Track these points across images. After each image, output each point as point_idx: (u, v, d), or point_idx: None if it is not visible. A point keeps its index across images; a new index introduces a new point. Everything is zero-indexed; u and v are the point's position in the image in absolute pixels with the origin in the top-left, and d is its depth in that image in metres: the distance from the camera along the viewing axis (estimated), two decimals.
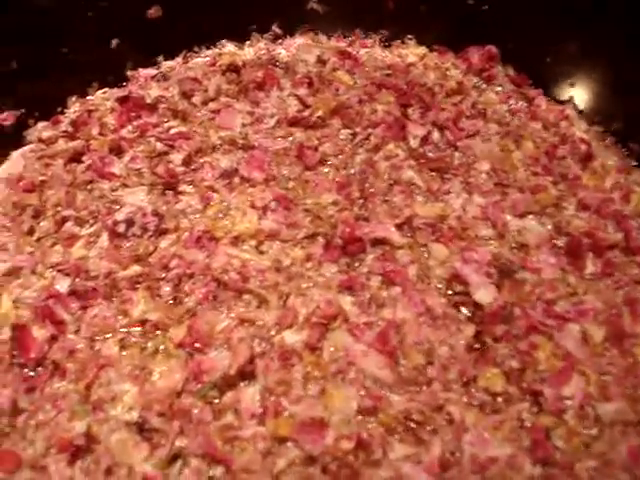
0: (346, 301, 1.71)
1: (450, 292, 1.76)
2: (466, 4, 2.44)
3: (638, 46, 2.15)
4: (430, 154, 2.11)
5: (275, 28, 2.55)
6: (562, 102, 2.37)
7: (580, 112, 2.35)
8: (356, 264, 1.81)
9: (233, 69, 2.33)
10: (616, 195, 2.04)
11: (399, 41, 2.57)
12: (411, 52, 2.52)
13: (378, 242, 1.84)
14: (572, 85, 2.38)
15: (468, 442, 1.49)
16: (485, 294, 1.70)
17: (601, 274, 1.84)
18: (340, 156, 2.08)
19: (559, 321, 1.70)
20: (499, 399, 1.57)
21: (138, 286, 1.74)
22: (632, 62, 2.18)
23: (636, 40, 2.14)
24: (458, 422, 1.51)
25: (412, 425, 1.51)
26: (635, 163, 2.18)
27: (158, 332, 1.65)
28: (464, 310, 1.72)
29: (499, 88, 2.41)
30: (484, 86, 2.42)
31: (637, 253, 1.89)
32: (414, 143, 2.11)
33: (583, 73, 2.37)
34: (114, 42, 2.33)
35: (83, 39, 2.25)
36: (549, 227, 1.93)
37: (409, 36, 2.57)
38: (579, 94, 2.37)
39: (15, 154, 2.11)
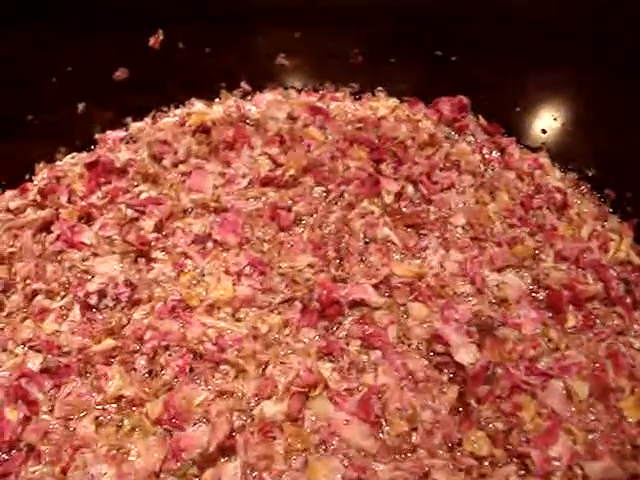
0: (326, 368, 1.69)
1: (431, 353, 1.74)
2: (435, 55, 2.47)
3: (607, 92, 2.18)
4: (405, 210, 2.12)
5: (244, 84, 2.58)
6: (535, 150, 2.40)
7: (554, 159, 2.37)
8: (334, 328, 1.80)
9: (203, 129, 2.33)
10: (594, 244, 2.05)
11: (369, 93, 2.61)
12: (382, 104, 2.55)
13: (356, 304, 1.83)
14: (544, 132, 2.41)
15: None
16: (466, 354, 1.68)
17: (582, 327, 1.85)
18: (314, 215, 2.08)
19: (542, 378, 1.69)
20: (485, 463, 1.56)
21: (112, 360, 1.72)
22: (603, 108, 2.21)
23: (605, 86, 2.17)
24: None
25: None
26: (611, 209, 2.20)
27: (134, 408, 1.63)
28: (446, 371, 1.70)
29: (471, 138, 2.43)
30: (456, 137, 2.44)
31: (617, 303, 1.89)
32: (388, 199, 2.12)
33: (554, 120, 2.40)
34: (80, 106, 2.34)
35: (49, 104, 2.25)
36: (528, 280, 1.94)
37: (379, 88, 2.60)
38: (552, 141, 2.39)
39: None
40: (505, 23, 2.30)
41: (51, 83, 2.25)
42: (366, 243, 2.01)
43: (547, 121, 2.40)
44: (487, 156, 2.34)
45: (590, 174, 2.28)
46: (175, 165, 2.24)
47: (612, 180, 2.21)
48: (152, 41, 2.37)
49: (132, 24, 2.28)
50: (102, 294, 1.82)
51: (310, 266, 1.91)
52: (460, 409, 1.64)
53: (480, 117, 2.46)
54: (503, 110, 2.43)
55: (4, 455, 1.56)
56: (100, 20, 2.21)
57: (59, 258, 1.97)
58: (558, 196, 2.18)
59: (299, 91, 2.62)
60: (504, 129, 2.44)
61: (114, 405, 1.64)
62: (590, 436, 1.60)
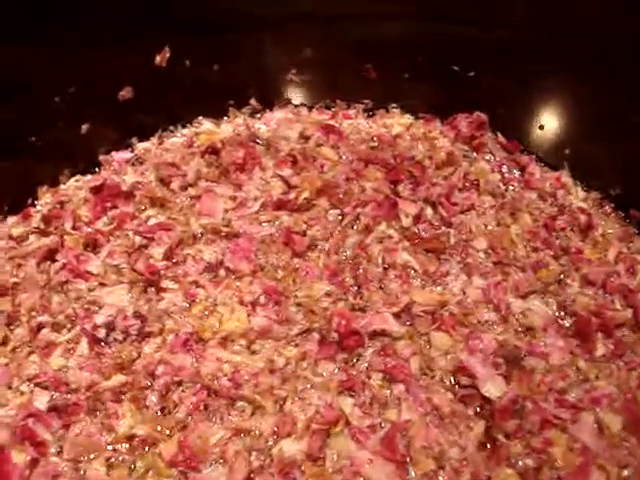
0: (347, 403, 1.61)
1: (456, 386, 1.66)
2: (451, 70, 2.42)
3: (630, 109, 2.12)
4: (424, 233, 2.05)
5: (253, 102, 2.52)
6: (556, 168, 2.34)
7: (575, 178, 2.31)
8: (355, 360, 1.72)
9: (212, 150, 2.26)
10: (621, 268, 1.98)
11: (383, 110, 2.55)
12: (396, 122, 2.49)
13: (376, 334, 1.74)
14: (565, 149, 2.35)
15: None
16: (493, 387, 1.61)
17: (612, 356, 1.76)
18: (330, 240, 2.01)
19: (573, 411, 1.60)
20: None
21: (123, 397, 1.63)
22: (626, 125, 2.16)
23: (627, 103, 2.12)
24: None
25: None
26: (636, 230, 2.14)
27: (147, 448, 1.54)
28: (472, 405, 1.62)
29: (490, 156, 2.37)
30: (474, 155, 2.38)
31: None
32: (406, 222, 2.05)
33: (575, 136, 2.34)
34: (84, 127, 2.28)
35: (52, 125, 2.18)
36: (554, 307, 1.87)
37: (393, 104, 2.55)
38: (573, 158, 2.33)
39: None
40: (523, 37, 2.25)
41: (54, 103, 2.18)
42: (385, 269, 1.94)
43: (567, 138, 2.35)
44: (507, 175, 2.29)
45: (614, 193, 2.22)
46: (184, 188, 2.17)
47: (637, 199, 2.15)
48: (158, 59, 2.31)
49: (137, 41, 2.22)
50: (110, 327, 1.74)
51: (327, 295, 1.84)
52: (488, 445, 1.56)
53: (499, 134, 2.40)
54: (522, 126, 2.38)
55: None
56: (104, 38, 2.14)
57: (65, 289, 1.88)
58: (582, 217, 2.11)
59: (310, 108, 2.57)
60: (523, 147, 2.38)
61: (126, 445, 1.55)
62: (624, 472, 1.52)
